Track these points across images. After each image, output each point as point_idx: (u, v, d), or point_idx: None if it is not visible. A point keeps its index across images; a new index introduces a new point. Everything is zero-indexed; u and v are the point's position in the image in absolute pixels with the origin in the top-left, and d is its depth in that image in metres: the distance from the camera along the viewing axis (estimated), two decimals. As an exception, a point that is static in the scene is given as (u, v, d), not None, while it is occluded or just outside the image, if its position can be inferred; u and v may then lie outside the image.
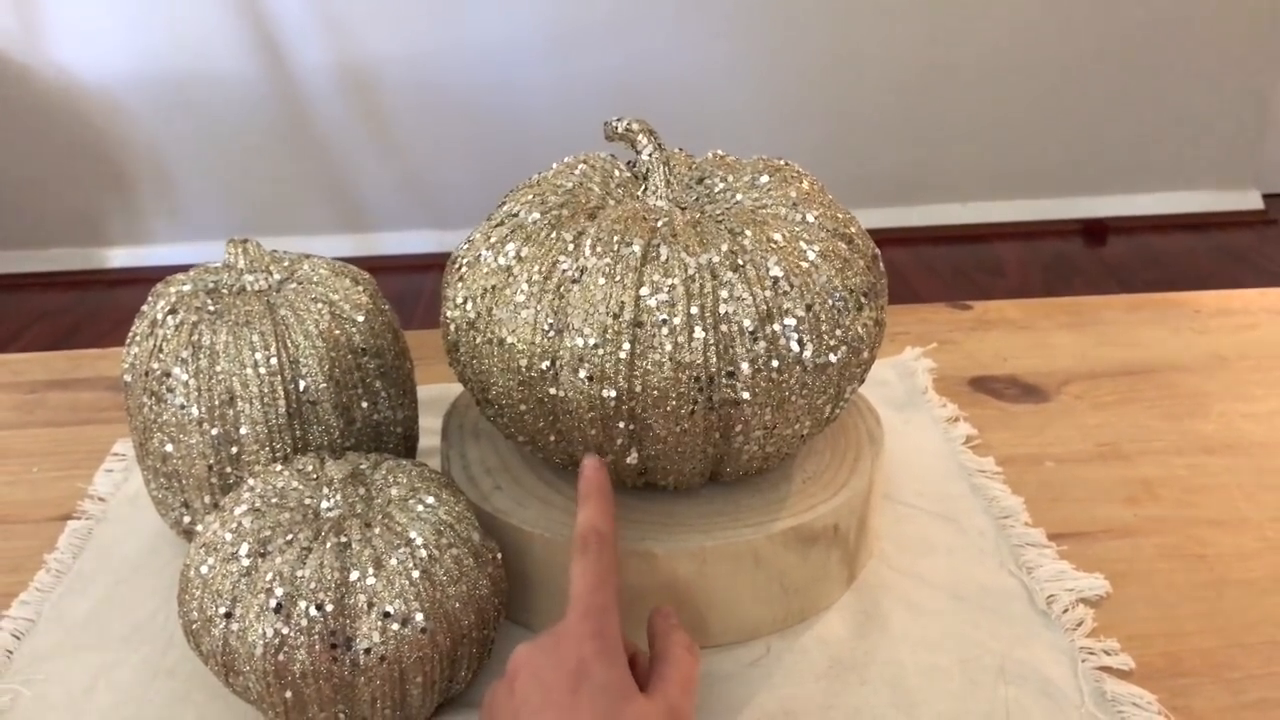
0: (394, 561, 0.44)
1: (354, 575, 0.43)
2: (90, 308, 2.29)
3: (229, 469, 0.55)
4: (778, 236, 0.51)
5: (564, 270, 0.51)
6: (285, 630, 0.43)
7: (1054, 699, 0.50)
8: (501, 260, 0.52)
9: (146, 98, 2.29)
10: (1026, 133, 2.50)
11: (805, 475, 0.58)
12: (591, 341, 0.49)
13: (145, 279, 2.36)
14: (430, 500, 0.48)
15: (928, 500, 0.66)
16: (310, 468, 0.51)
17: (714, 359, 0.49)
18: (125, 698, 0.52)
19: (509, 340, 0.51)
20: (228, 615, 0.44)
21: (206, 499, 0.56)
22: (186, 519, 0.58)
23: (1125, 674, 0.52)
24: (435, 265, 2.37)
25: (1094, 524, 0.64)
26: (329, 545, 0.44)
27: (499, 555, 0.50)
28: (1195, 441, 0.72)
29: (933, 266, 2.34)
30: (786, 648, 0.54)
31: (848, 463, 0.59)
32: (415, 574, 0.44)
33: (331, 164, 2.40)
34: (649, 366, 0.49)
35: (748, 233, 0.51)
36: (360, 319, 0.58)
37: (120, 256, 2.44)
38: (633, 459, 0.52)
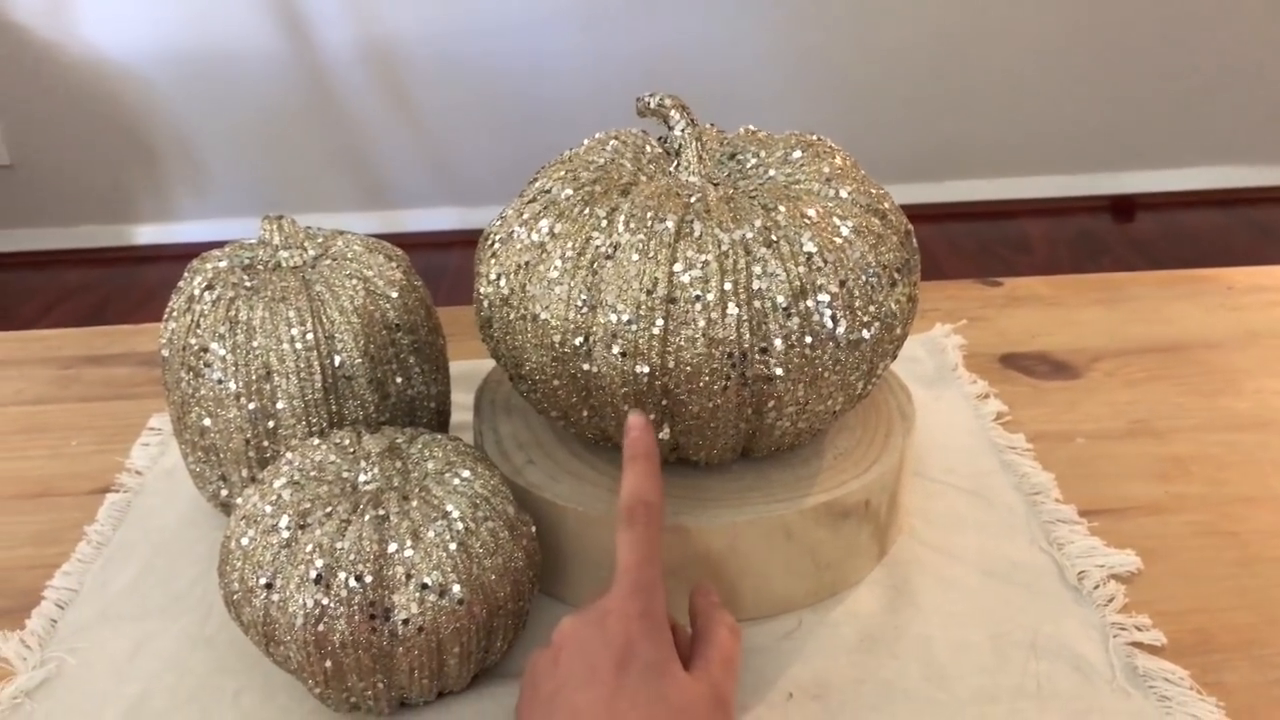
0: (431, 534, 0.44)
1: (392, 547, 0.44)
2: (119, 284, 2.31)
3: (266, 443, 0.56)
4: (811, 212, 0.51)
5: (597, 246, 0.51)
6: (325, 601, 0.43)
7: (1085, 674, 0.50)
8: (535, 236, 0.53)
9: (173, 75, 2.30)
10: (1053, 108, 2.47)
11: (837, 451, 0.58)
12: (625, 317, 0.49)
13: (173, 255, 2.39)
14: (466, 474, 0.48)
15: (958, 477, 0.66)
16: (347, 442, 0.52)
17: (747, 335, 0.49)
18: (167, 666, 0.53)
19: (542, 316, 0.51)
20: (268, 586, 0.44)
21: (244, 473, 0.57)
22: (224, 492, 0.59)
23: (1157, 650, 0.52)
24: (459, 242, 2.37)
25: (1125, 501, 0.64)
26: (367, 518, 0.44)
27: (533, 528, 0.51)
28: (1227, 418, 0.72)
29: (959, 243, 2.33)
30: (818, 621, 0.55)
31: (879, 439, 0.59)
32: (452, 546, 0.44)
33: (356, 141, 2.41)
34: (682, 342, 0.49)
35: (781, 208, 0.51)
36: (394, 295, 0.59)
37: (148, 233, 2.45)
38: (665, 435, 0.53)
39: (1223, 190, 2.54)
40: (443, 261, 2.28)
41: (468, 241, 2.41)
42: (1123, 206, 2.51)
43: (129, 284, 2.31)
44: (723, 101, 2.33)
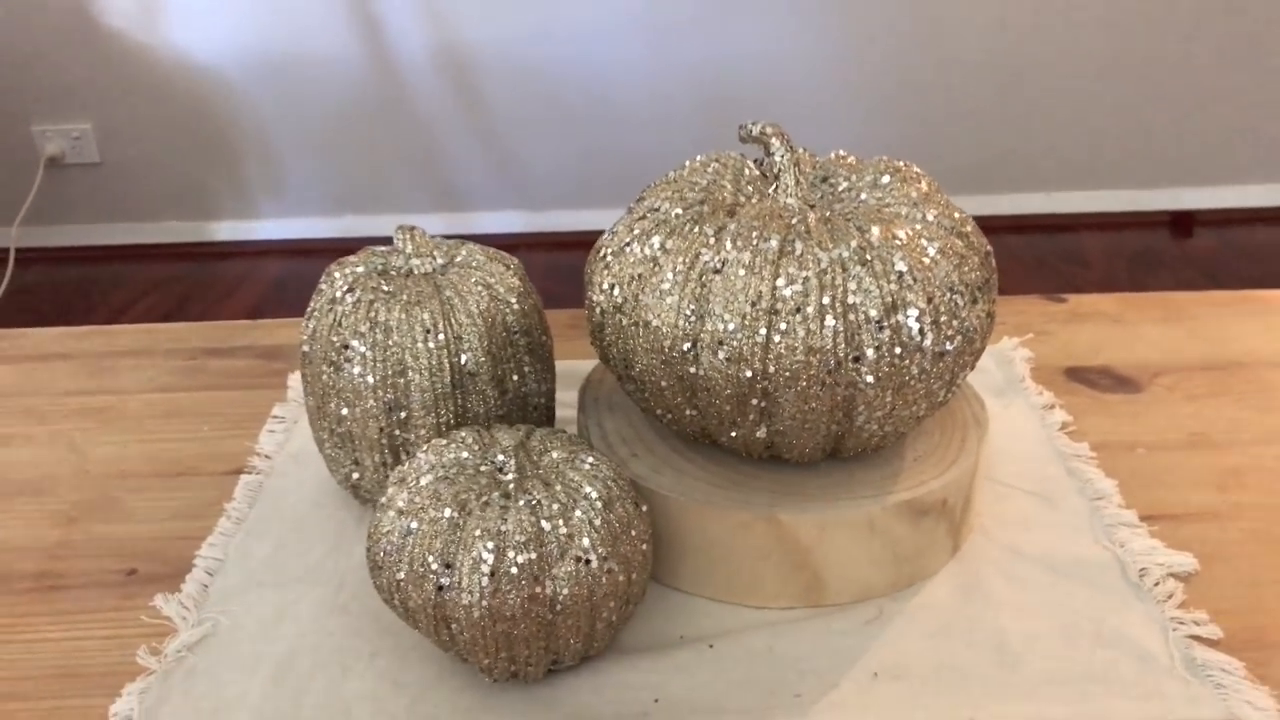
0: (579, 513, 0.50)
1: (547, 526, 0.49)
2: (199, 278, 2.41)
3: (397, 432, 0.62)
4: (901, 234, 0.56)
5: (706, 261, 0.56)
6: (499, 580, 0.49)
7: (1147, 662, 0.55)
8: (647, 251, 0.58)
9: (255, 79, 2.39)
10: (1112, 123, 2.49)
11: (916, 454, 0.63)
12: (731, 326, 0.54)
13: (249, 252, 2.48)
14: (591, 460, 0.54)
15: (1026, 481, 0.70)
16: (471, 439, 0.56)
17: (842, 345, 0.54)
18: (308, 629, 0.59)
19: (654, 323, 0.57)
20: (440, 572, 0.49)
21: (376, 458, 0.63)
22: (355, 475, 0.65)
23: (1213, 643, 0.56)
24: (524, 244, 2.44)
25: (1184, 507, 0.68)
26: (521, 503, 0.50)
27: (645, 508, 0.56)
28: (1284, 434, 0.76)
29: (1017, 256, 2.36)
30: (898, 610, 0.60)
31: (955, 443, 0.64)
32: (597, 521, 0.50)
33: (427, 144, 2.49)
34: (783, 350, 0.54)
35: (874, 230, 0.56)
36: (513, 301, 0.65)
37: (226, 230, 2.55)
38: (762, 433, 0.58)
39: (1283, 208, 2.54)
40: (508, 263, 2.34)
41: (531, 244, 2.48)
42: (1181, 222, 2.52)
43: (210, 277, 2.41)
44: (783, 112, 2.37)
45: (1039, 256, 2.37)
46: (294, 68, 2.38)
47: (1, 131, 2.46)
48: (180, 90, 2.40)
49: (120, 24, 2.34)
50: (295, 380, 0.84)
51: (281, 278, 2.35)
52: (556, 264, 2.23)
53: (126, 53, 2.36)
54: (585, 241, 2.55)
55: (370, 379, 0.61)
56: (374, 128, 2.45)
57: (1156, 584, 0.61)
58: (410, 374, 0.61)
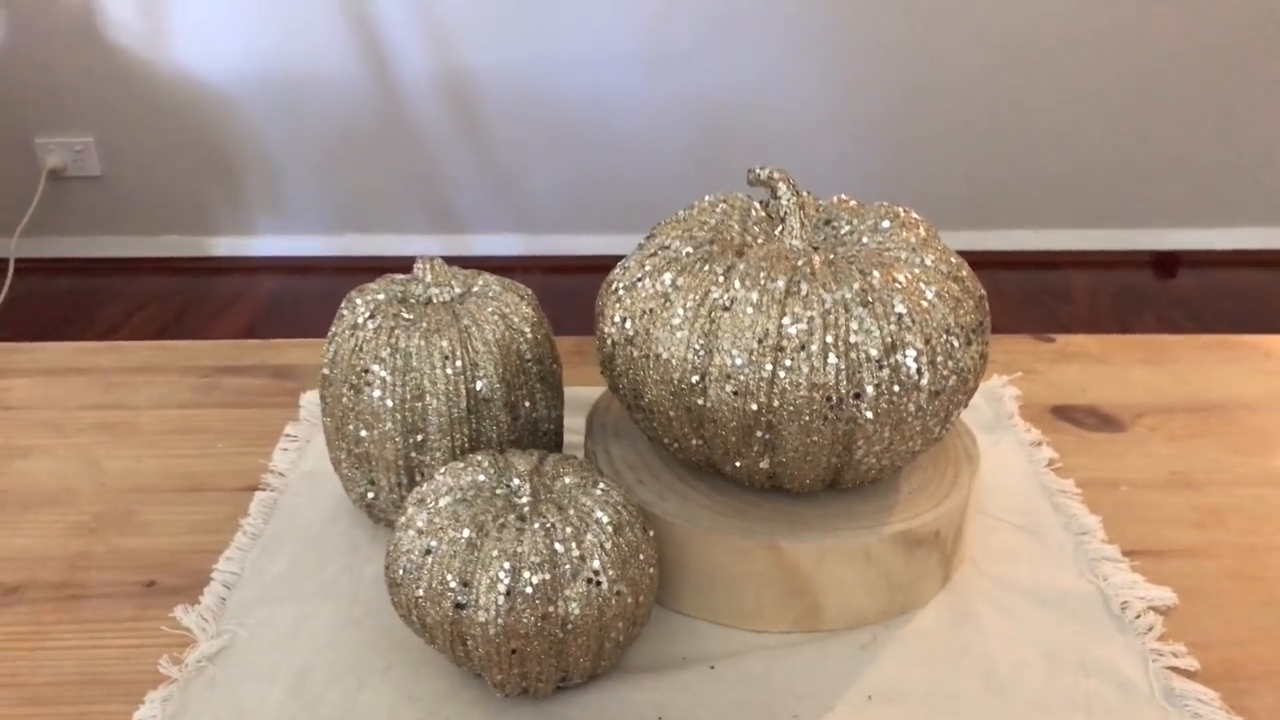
0: (590, 537, 0.53)
1: (560, 549, 0.52)
2: (196, 293, 2.42)
3: (414, 454, 0.65)
4: (901, 277, 0.59)
5: (715, 299, 0.59)
6: (515, 600, 0.51)
7: (1128, 691, 0.58)
8: (659, 287, 0.61)
9: (256, 97, 2.42)
10: (1100, 162, 2.54)
11: (911, 487, 0.66)
12: (738, 361, 0.57)
13: (245, 268, 2.51)
14: (602, 486, 0.57)
15: (1014, 515, 0.73)
16: (487, 463, 0.59)
17: (844, 382, 0.57)
18: (324, 642, 0.62)
19: (664, 356, 0.59)
20: (459, 590, 0.52)
21: (392, 479, 0.66)
22: (371, 495, 0.67)
23: (1191, 674, 0.59)
24: (520, 267, 2.47)
25: (1164, 544, 0.71)
26: (536, 525, 0.53)
27: (653, 533, 0.59)
28: (1261, 475, 0.79)
29: (1003, 291, 2.40)
30: (890, 636, 0.62)
31: (948, 477, 0.67)
32: (608, 545, 0.53)
33: (427, 166, 2.52)
34: (787, 385, 0.57)
35: (876, 273, 0.59)
36: (526, 330, 0.67)
37: (224, 245, 2.57)
38: (765, 464, 0.60)
39: (1265, 251, 2.60)
40: (504, 286, 2.37)
41: (529, 267, 2.51)
42: (1166, 262, 2.57)
43: (205, 293, 2.42)
44: (776, 143, 2.42)
45: (1025, 291, 2.41)
46: (296, 86, 2.41)
47: (4, 143, 2.48)
48: (183, 106, 2.43)
49: (125, 39, 2.37)
50: (307, 399, 0.87)
51: (278, 294, 2.37)
52: (553, 288, 2.26)
53: (130, 68, 2.39)
54: (583, 266, 2.57)
55: (389, 402, 0.64)
56: (374, 148, 2.48)
57: (1138, 617, 0.63)
58: (428, 398, 0.64)
